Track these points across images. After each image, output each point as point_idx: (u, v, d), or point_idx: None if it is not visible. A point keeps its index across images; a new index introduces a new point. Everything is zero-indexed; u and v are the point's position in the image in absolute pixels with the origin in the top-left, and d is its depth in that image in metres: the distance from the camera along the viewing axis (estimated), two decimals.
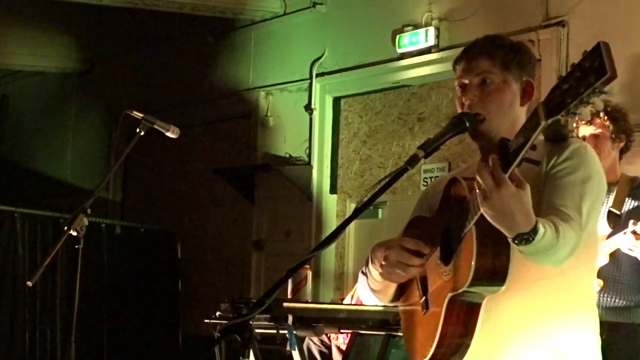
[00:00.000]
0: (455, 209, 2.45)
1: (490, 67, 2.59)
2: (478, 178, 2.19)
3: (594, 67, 1.96)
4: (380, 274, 2.60)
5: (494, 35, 2.71)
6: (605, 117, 4.31)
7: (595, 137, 4.31)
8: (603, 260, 4.16)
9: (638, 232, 4.07)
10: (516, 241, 2.21)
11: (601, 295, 4.21)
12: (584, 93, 1.98)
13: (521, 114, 2.58)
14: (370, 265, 2.69)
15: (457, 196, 2.47)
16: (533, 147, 2.15)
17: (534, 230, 2.20)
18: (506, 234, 2.23)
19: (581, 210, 2.38)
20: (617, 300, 4.27)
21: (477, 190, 2.20)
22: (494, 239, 2.31)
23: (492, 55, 2.60)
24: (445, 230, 2.49)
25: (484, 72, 2.58)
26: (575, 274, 2.45)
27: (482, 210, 2.22)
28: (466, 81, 2.61)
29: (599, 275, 4.13)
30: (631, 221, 4.11)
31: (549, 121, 2.07)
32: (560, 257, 2.32)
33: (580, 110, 2.02)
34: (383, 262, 2.57)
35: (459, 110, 2.60)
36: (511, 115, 2.57)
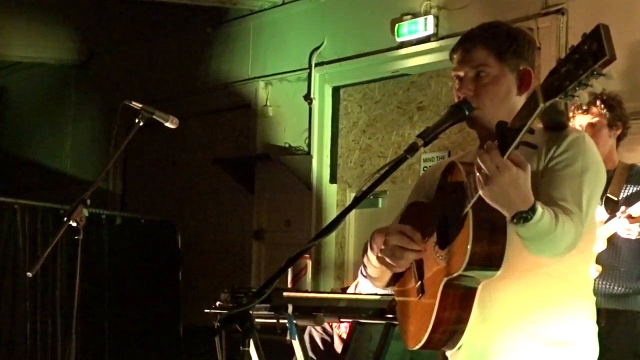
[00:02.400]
0: (452, 193, 2.46)
1: (485, 58, 2.58)
2: (479, 162, 2.19)
3: (592, 50, 1.96)
4: (378, 258, 2.61)
5: (490, 23, 2.70)
6: (602, 105, 4.33)
7: (592, 125, 4.32)
8: (601, 245, 4.17)
9: (633, 215, 4.09)
10: (515, 220, 2.22)
11: (600, 282, 4.21)
12: (583, 75, 1.98)
13: (519, 103, 2.55)
14: (369, 251, 2.70)
15: (454, 181, 2.48)
16: (531, 131, 2.15)
17: (532, 209, 2.21)
18: (505, 213, 2.24)
19: (581, 203, 2.39)
20: (615, 288, 4.28)
21: (478, 174, 2.21)
22: (490, 224, 2.32)
23: (488, 45, 2.58)
24: (442, 215, 2.50)
25: (479, 65, 2.57)
26: (571, 262, 2.45)
27: (481, 193, 2.23)
28: (461, 73, 2.61)
29: (597, 261, 4.14)
30: (622, 207, 4.12)
31: (547, 103, 2.08)
32: (559, 248, 2.32)
33: (578, 93, 2.02)
34: (382, 247, 2.58)
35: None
36: (507, 105, 2.56)
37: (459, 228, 2.39)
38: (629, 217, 4.11)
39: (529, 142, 2.19)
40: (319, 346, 5.09)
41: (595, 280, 4.18)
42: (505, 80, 2.58)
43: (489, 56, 2.57)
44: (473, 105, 2.54)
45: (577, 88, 2.01)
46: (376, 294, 4.44)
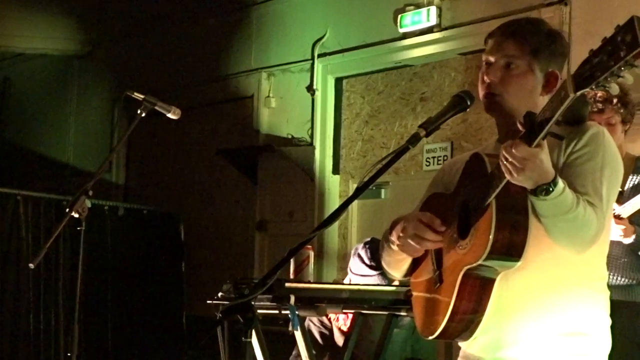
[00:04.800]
0: (475, 184, 2.46)
1: (519, 51, 2.58)
2: (505, 154, 2.22)
3: (626, 41, 1.95)
4: (397, 245, 2.63)
5: (536, 19, 2.74)
6: (619, 104, 4.28)
7: (608, 124, 4.25)
8: None
9: (622, 215, 4.07)
10: (536, 192, 2.26)
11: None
12: (615, 66, 1.98)
13: (541, 103, 2.54)
14: (390, 237, 2.71)
15: (478, 172, 2.48)
16: (559, 122, 2.16)
17: (554, 182, 2.25)
18: (527, 186, 2.29)
19: (602, 197, 2.42)
20: (619, 278, 4.26)
21: (505, 163, 2.24)
22: (513, 214, 2.34)
23: (525, 39, 2.59)
24: (464, 204, 2.50)
25: (511, 56, 2.58)
26: (587, 254, 2.45)
27: (509, 179, 2.27)
28: (492, 59, 2.61)
29: None
30: (615, 204, 4.08)
31: (578, 93, 2.08)
32: (582, 234, 2.36)
33: (610, 84, 2.02)
34: (400, 234, 2.60)
35: (479, 85, 2.61)
36: (530, 101, 2.56)
37: (480, 218, 2.40)
38: (617, 217, 4.09)
39: (556, 133, 2.21)
40: (317, 340, 5.09)
41: None
42: (533, 77, 2.58)
43: (524, 51, 2.57)
44: (496, 92, 2.55)
45: (608, 79, 2.01)
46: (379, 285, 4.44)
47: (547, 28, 2.65)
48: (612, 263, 4.24)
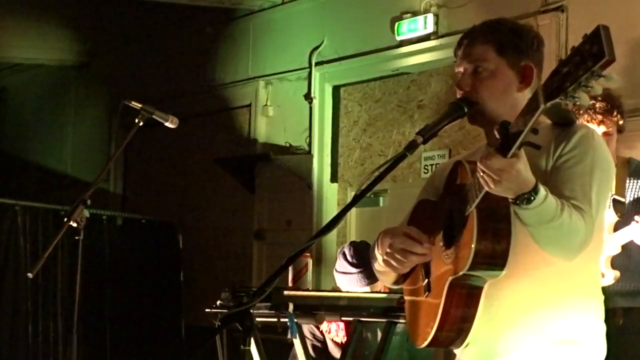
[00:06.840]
0: (458, 192, 2.46)
1: (484, 53, 2.58)
2: (481, 167, 2.20)
3: (592, 51, 1.95)
4: (384, 260, 2.62)
5: (494, 19, 2.70)
6: (619, 116, 4.27)
7: (606, 134, 4.25)
8: (616, 251, 4.13)
9: None
10: (518, 202, 2.24)
11: (615, 282, 4.19)
12: (583, 76, 1.98)
13: (521, 99, 2.53)
14: (375, 250, 2.70)
15: (460, 180, 2.48)
16: (534, 131, 2.15)
17: (535, 190, 2.22)
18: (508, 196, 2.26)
19: (591, 201, 2.39)
20: (628, 286, 4.26)
21: (482, 175, 2.22)
22: (495, 223, 2.33)
23: (488, 40, 2.59)
24: (448, 213, 2.50)
25: (477, 60, 2.58)
26: (578, 260, 2.43)
27: (487, 189, 2.24)
28: (461, 69, 2.62)
29: (613, 267, 4.11)
30: (636, 217, 4.07)
31: (548, 104, 2.08)
32: (570, 241, 2.33)
33: (579, 94, 2.02)
34: (387, 250, 2.59)
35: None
36: (508, 100, 2.56)
37: (463, 227, 2.39)
38: None
39: (532, 143, 2.19)
40: (310, 354, 5.07)
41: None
42: (503, 75, 2.57)
43: (488, 51, 2.57)
44: (472, 99, 2.54)
45: (577, 89, 2.01)
46: (378, 292, 4.43)
47: (509, 24, 2.65)
48: (622, 273, 4.22)
